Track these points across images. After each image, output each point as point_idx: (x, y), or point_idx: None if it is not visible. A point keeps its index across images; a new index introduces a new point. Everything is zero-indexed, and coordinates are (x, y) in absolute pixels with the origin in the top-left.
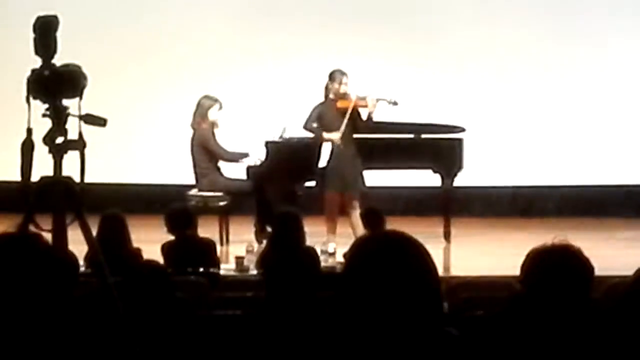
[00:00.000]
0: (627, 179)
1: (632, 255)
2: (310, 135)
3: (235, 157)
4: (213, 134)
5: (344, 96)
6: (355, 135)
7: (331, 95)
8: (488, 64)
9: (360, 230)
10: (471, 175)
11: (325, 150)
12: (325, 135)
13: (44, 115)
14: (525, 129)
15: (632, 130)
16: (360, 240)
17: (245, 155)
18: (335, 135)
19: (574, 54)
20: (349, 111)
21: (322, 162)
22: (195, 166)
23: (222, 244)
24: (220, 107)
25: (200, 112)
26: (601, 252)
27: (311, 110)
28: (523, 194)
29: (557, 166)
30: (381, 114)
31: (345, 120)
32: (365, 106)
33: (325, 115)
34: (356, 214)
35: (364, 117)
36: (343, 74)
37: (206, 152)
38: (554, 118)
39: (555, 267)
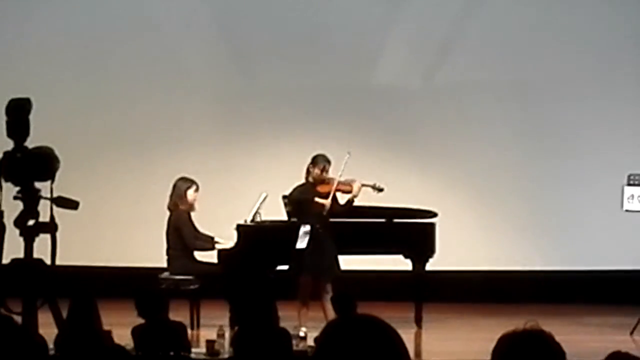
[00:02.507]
0: (597, 265)
1: (603, 340)
2: (284, 218)
3: (202, 248)
4: (189, 216)
5: (325, 181)
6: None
7: (311, 179)
8: (460, 150)
9: (332, 314)
10: (442, 259)
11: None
12: (317, 199)
13: (15, 198)
14: (497, 214)
15: (599, 216)
16: (331, 325)
17: (211, 244)
18: (326, 202)
19: (544, 144)
20: (332, 193)
21: (295, 246)
22: (168, 248)
23: (193, 328)
24: (197, 189)
25: (178, 193)
26: (572, 338)
27: (292, 194)
28: (494, 279)
29: (528, 251)
30: (357, 198)
31: (331, 195)
32: (350, 192)
33: (304, 197)
34: (328, 298)
35: (343, 200)
36: (327, 161)
37: (179, 236)
38: (525, 203)
39: (527, 352)
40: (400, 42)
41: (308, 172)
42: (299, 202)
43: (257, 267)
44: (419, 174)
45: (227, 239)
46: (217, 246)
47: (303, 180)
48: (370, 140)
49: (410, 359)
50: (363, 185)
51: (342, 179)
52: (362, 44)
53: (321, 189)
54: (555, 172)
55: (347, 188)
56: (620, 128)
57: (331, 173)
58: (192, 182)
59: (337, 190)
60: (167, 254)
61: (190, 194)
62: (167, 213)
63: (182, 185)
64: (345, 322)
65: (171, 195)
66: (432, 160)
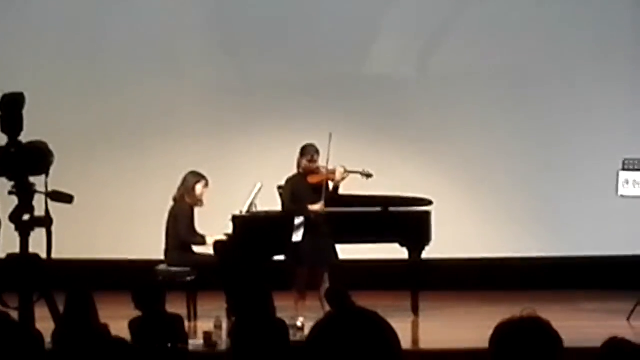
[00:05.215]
0: (593, 251)
1: (600, 327)
2: (279, 209)
3: (194, 242)
4: (192, 210)
5: (314, 171)
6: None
7: (300, 170)
8: (455, 137)
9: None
10: (438, 247)
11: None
12: (310, 207)
13: (10, 193)
14: (492, 201)
15: (594, 202)
16: (322, 319)
17: (203, 241)
18: (319, 206)
19: (539, 130)
20: (324, 185)
21: (292, 237)
22: (167, 237)
23: (190, 320)
24: (206, 185)
25: (186, 186)
26: (569, 324)
27: (284, 187)
28: (490, 266)
29: (524, 238)
30: (353, 187)
31: (324, 192)
32: (333, 179)
33: (297, 190)
34: (325, 287)
35: (331, 188)
36: (315, 150)
37: (176, 226)
38: (520, 190)
39: (524, 339)
40: (392, 31)
41: (298, 162)
42: (292, 211)
43: (253, 257)
44: (414, 162)
45: (223, 230)
46: (210, 240)
47: (295, 172)
48: (365, 129)
49: (402, 351)
50: (351, 171)
51: (329, 167)
52: (354, 34)
53: (311, 179)
54: (550, 158)
55: (332, 176)
56: (615, 113)
57: (321, 160)
58: (203, 177)
59: (327, 179)
60: (166, 244)
61: (199, 188)
62: (162, 205)
63: (192, 179)
64: (336, 317)
65: (180, 187)
66: (427, 148)
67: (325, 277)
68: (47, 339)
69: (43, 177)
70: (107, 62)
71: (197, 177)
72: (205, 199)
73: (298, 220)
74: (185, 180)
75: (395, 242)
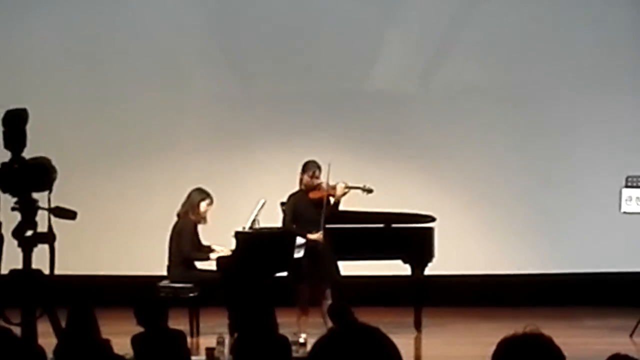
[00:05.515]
0: (595, 267)
1: (602, 343)
2: (279, 225)
3: (198, 258)
4: (196, 227)
5: (316, 187)
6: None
7: (302, 186)
8: (457, 153)
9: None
10: (441, 264)
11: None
12: (309, 236)
13: (13, 209)
14: (495, 218)
15: (597, 219)
16: (325, 335)
17: (207, 254)
18: (317, 235)
19: (542, 147)
20: (324, 206)
21: (294, 253)
22: (170, 254)
23: (192, 336)
24: (211, 202)
25: (191, 203)
26: (572, 340)
27: (286, 205)
28: (493, 283)
29: (527, 254)
30: (354, 203)
31: (323, 217)
32: (334, 195)
33: (298, 208)
34: (327, 304)
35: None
36: (316, 166)
37: (179, 243)
38: (523, 206)
39: (527, 355)
40: (396, 47)
41: (301, 179)
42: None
43: (256, 274)
44: (417, 178)
45: (226, 246)
46: (214, 255)
47: (297, 188)
48: (367, 146)
49: None
50: (351, 187)
51: (330, 183)
52: (357, 49)
53: (313, 195)
54: (553, 174)
55: (333, 192)
56: (618, 130)
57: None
58: (208, 195)
59: (328, 195)
60: (169, 259)
61: (203, 206)
62: (165, 221)
63: (197, 196)
64: (338, 333)
65: (184, 204)
66: (430, 165)
67: (328, 294)
68: (50, 355)
69: (46, 193)
70: (110, 78)
71: (203, 194)
72: (209, 217)
73: (300, 237)
74: (190, 196)
75: (398, 258)
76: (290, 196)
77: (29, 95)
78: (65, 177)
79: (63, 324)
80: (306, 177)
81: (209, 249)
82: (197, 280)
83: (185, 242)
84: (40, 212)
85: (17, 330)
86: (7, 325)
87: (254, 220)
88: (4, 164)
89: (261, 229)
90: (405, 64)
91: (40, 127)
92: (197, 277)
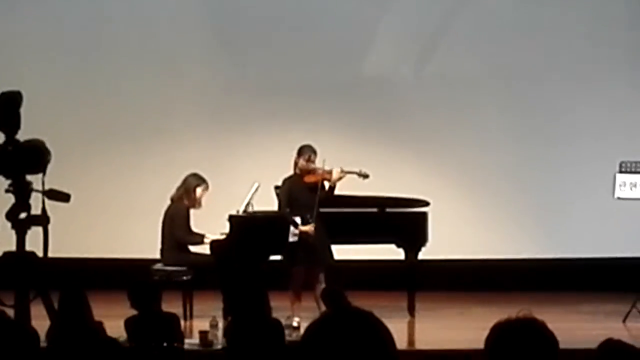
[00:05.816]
0: (589, 253)
1: (596, 328)
2: (276, 209)
3: (191, 242)
4: (188, 212)
5: (310, 172)
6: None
7: (297, 170)
8: (451, 139)
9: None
10: (435, 248)
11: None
12: (301, 228)
13: (7, 191)
14: (489, 203)
15: (591, 204)
16: (318, 319)
17: (201, 239)
18: (309, 228)
19: (536, 133)
20: (319, 191)
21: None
22: (163, 238)
23: (185, 319)
24: (206, 188)
25: (186, 188)
26: (565, 326)
27: (280, 189)
28: (486, 267)
29: (520, 239)
30: (350, 187)
31: (317, 201)
32: (329, 179)
33: (293, 192)
34: (321, 288)
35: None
36: (312, 150)
37: (172, 226)
38: (517, 191)
39: (520, 340)
40: (390, 34)
41: (295, 163)
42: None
43: (250, 257)
44: (411, 163)
45: (219, 230)
46: (207, 239)
47: (291, 172)
48: (362, 131)
49: (398, 352)
50: (347, 172)
51: (326, 168)
52: (352, 36)
53: (307, 179)
54: (546, 160)
55: (328, 176)
56: (612, 115)
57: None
58: (204, 180)
59: (323, 179)
60: (162, 242)
61: (199, 191)
62: (159, 204)
63: (193, 181)
64: (331, 317)
65: (179, 188)
66: (424, 150)
67: (321, 278)
68: (43, 337)
69: (40, 175)
70: (105, 61)
71: (199, 180)
72: (203, 203)
73: (294, 220)
74: (186, 181)
75: (391, 242)
76: (285, 180)
77: (24, 78)
78: (59, 159)
79: (56, 306)
80: (301, 161)
81: (202, 236)
82: (191, 264)
83: (178, 226)
84: (34, 194)
85: (10, 312)
86: (0, 307)
87: (247, 204)
88: None
89: (255, 212)
90: (401, 51)
91: (35, 109)
92: (190, 261)
